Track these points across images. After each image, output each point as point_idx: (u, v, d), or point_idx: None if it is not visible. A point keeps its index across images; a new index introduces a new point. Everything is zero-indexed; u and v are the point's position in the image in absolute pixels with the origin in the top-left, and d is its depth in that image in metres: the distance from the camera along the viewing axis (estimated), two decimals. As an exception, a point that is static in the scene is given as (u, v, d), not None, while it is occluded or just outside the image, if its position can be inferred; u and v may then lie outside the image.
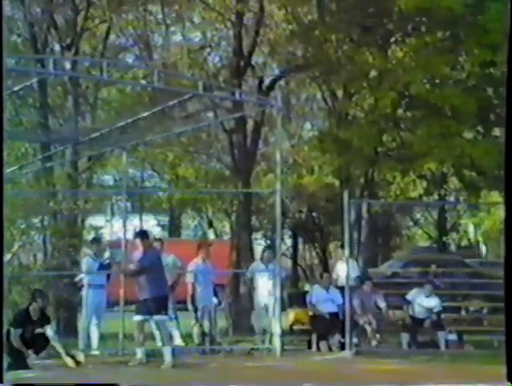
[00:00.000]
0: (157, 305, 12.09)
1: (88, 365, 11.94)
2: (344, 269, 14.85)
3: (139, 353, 12.12)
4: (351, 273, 15.61)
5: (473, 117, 18.79)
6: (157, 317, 12.15)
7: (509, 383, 7.23)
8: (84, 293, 14.29)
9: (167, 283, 12.76)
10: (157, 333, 12.97)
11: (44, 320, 12.09)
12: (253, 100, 17.43)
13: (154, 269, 12.22)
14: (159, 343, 12.62)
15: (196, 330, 14.23)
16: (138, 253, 12.35)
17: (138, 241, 12.36)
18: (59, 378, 10.75)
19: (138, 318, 12.25)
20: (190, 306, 14.21)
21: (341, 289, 14.78)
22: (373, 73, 20.10)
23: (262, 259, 14.84)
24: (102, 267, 14.43)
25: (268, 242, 36.08)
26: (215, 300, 14.64)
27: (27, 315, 12.00)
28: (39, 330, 11.96)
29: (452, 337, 15.51)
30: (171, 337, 12.96)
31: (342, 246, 16.16)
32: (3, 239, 8.20)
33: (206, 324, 14.16)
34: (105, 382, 10.17)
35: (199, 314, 14.15)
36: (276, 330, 13.43)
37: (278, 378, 10.92)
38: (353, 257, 15.87)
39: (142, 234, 12.87)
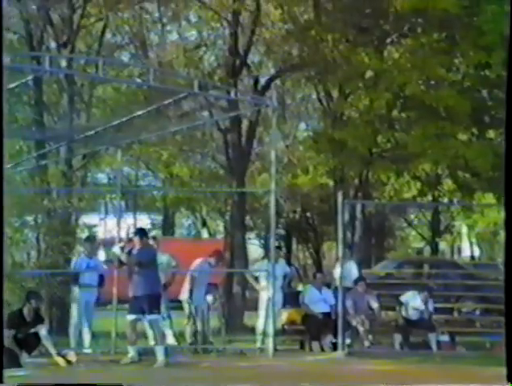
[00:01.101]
0: (150, 303, 12.10)
1: (80, 364, 11.94)
2: (346, 271, 14.91)
3: (131, 351, 12.15)
4: (351, 274, 15.67)
5: (468, 118, 18.83)
6: (150, 316, 12.15)
7: (510, 384, 7.24)
8: (74, 291, 14.29)
9: (160, 281, 12.78)
10: (150, 332, 12.99)
11: (38, 321, 12.06)
12: (249, 100, 17.46)
13: (150, 267, 12.24)
14: (152, 342, 12.63)
15: (188, 329, 14.25)
16: (134, 250, 12.37)
17: (136, 239, 12.38)
18: (51, 376, 10.75)
19: (130, 317, 12.25)
20: (186, 304, 14.19)
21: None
22: (368, 74, 20.12)
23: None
24: (94, 266, 14.43)
25: (262, 241, 36.14)
26: (210, 298, 14.64)
27: (21, 316, 11.96)
28: (31, 330, 11.94)
29: (444, 338, 15.54)
30: (163, 336, 12.96)
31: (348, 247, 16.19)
32: (3, 239, 8.19)
33: (198, 323, 14.18)
34: (98, 380, 10.17)
35: (193, 311, 14.15)
36: (269, 330, 13.44)
37: (271, 378, 10.93)
38: (347, 258, 15.84)
39: (141, 232, 12.87)
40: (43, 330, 11.99)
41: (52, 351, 11.84)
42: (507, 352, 7.33)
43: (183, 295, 14.36)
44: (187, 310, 14.33)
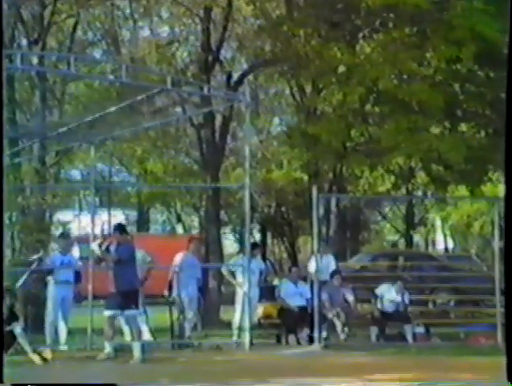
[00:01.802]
0: (128, 299, 12.09)
1: (56, 360, 11.92)
2: (324, 264, 14.99)
3: (108, 348, 12.13)
4: (329, 268, 15.76)
5: (440, 112, 18.94)
6: (128, 311, 12.14)
7: (510, 384, 7.32)
8: (49, 288, 14.25)
9: (138, 277, 12.76)
10: (126, 328, 12.98)
11: (13, 318, 12.02)
12: (222, 95, 17.45)
13: (128, 263, 12.23)
14: (128, 338, 12.62)
15: (176, 323, 14.17)
16: (112, 246, 12.33)
17: (115, 234, 12.35)
18: (28, 374, 10.72)
19: (108, 312, 12.24)
20: (176, 298, 14.15)
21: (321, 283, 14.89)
22: (341, 68, 20.17)
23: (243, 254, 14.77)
24: (68, 263, 14.39)
25: (237, 236, 36.19)
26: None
27: None
28: (6, 328, 11.89)
29: (420, 330, 15.66)
30: (140, 332, 12.95)
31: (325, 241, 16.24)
32: (3, 238, 8.15)
33: (191, 315, 14.16)
34: (74, 377, 10.18)
35: (184, 305, 14.10)
36: (245, 324, 13.49)
37: (247, 372, 10.97)
38: (325, 252, 15.93)
39: (120, 227, 12.84)
40: (17, 328, 11.95)
41: (28, 348, 11.81)
42: (507, 352, 7.42)
43: (174, 291, 14.28)
44: (183, 305, 14.18)
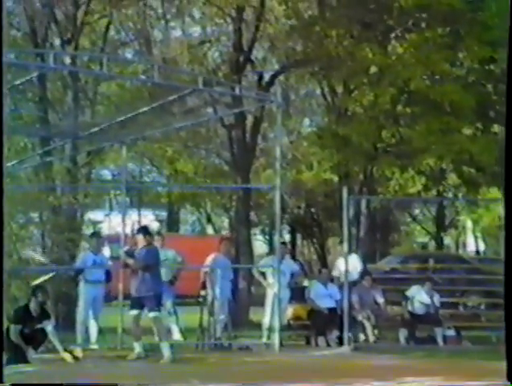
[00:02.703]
0: (150, 302, 12.07)
1: (86, 359, 11.97)
2: (351, 265, 14.94)
3: (138, 348, 12.13)
4: (356, 269, 15.70)
5: (472, 113, 18.83)
6: (151, 313, 12.13)
7: (510, 384, 7.24)
8: (80, 287, 14.30)
9: (161, 280, 12.70)
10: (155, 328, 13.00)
11: (44, 316, 12.09)
12: (253, 96, 17.43)
13: (152, 267, 12.21)
14: (156, 338, 12.64)
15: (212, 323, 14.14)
16: (137, 251, 12.31)
17: (140, 237, 12.32)
18: (58, 373, 10.78)
19: (133, 312, 12.25)
20: (208, 298, 14.12)
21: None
22: (372, 69, 20.12)
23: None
24: (100, 262, 14.43)
25: (267, 237, 36.16)
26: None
27: (27, 311, 11.99)
28: (38, 326, 11.97)
29: (450, 333, 15.54)
30: (169, 332, 12.95)
31: (341, 242, 16.16)
32: (3, 237, 8.21)
33: (222, 317, 14.16)
34: (105, 375, 10.21)
35: (216, 306, 14.09)
36: (275, 325, 13.46)
37: (277, 373, 10.92)
38: (352, 253, 15.88)
39: (144, 230, 12.82)
40: (49, 326, 12.02)
41: (59, 346, 11.86)
42: (507, 350, 7.34)
43: (206, 292, 14.24)
44: (216, 306, 14.18)
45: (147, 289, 12.04)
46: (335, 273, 16.13)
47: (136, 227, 16.77)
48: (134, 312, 12.24)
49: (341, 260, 15.87)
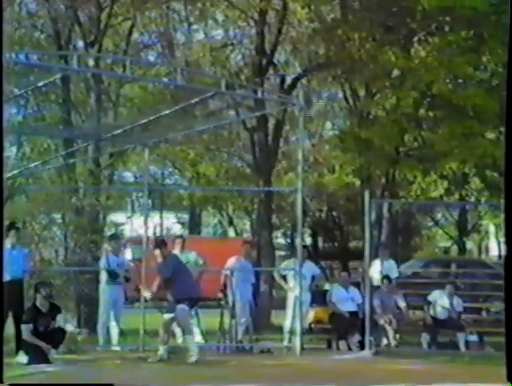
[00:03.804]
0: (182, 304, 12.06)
1: (108, 361, 12.00)
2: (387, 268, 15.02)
3: (162, 350, 12.06)
4: (391, 274, 15.72)
5: (496, 117, 18.67)
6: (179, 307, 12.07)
7: (510, 384, 7.20)
8: (101, 289, 14.36)
9: (193, 283, 12.66)
10: (178, 330, 13.01)
11: (54, 310, 12.09)
12: (275, 99, 17.44)
13: (181, 274, 12.18)
14: (180, 340, 12.63)
15: (234, 325, 14.15)
16: (159, 265, 12.31)
17: (157, 252, 12.30)
18: (79, 373, 10.82)
19: (169, 315, 12.18)
20: (229, 301, 14.13)
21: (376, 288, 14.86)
22: (395, 72, 20.04)
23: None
24: (121, 264, 14.48)
25: (288, 240, 36.12)
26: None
27: (36, 309, 12.01)
28: (53, 325, 11.97)
29: (473, 338, 15.46)
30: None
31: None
32: (3, 237, 8.26)
33: (243, 320, 14.16)
34: (126, 377, 10.23)
35: (237, 309, 14.09)
36: (296, 328, 13.44)
37: (297, 377, 10.91)
38: (385, 257, 16.01)
39: (158, 244, 12.59)
40: (61, 321, 12.02)
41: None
42: (507, 353, 7.28)
43: (227, 294, 14.25)
44: (237, 308, 14.18)
45: (181, 292, 12.03)
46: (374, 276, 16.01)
47: (159, 228, 16.79)
48: (169, 315, 12.16)
49: (377, 263, 15.85)
